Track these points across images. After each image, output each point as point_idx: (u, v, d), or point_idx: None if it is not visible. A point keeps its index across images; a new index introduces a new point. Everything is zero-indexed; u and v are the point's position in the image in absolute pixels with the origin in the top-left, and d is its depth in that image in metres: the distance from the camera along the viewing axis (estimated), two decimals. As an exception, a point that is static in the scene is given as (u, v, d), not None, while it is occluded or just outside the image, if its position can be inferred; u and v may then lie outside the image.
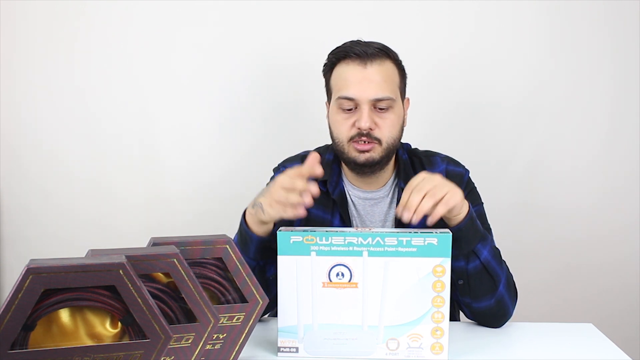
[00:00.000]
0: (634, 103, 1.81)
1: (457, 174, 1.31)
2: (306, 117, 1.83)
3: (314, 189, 1.03)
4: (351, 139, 1.22)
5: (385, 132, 1.21)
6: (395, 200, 1.30)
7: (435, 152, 1.37)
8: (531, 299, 1.87)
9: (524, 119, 1.83)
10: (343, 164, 1.31)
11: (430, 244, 1.01)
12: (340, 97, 1.21)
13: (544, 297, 1.87)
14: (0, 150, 1.85)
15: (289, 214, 1.04)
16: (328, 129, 1.28)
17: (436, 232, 1.02)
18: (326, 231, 1.02)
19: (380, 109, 1.21)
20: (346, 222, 1.27)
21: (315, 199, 1.28)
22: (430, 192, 1.03)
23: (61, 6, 1.79)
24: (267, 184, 1.36)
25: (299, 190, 1.03)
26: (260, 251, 1.14)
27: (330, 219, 1.28)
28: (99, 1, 1.79)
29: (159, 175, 1.86)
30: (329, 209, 1.29)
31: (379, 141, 1.21)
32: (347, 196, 1.30)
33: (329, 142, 1.32)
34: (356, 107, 1.21)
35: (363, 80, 1.19)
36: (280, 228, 1.06)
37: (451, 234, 1.02)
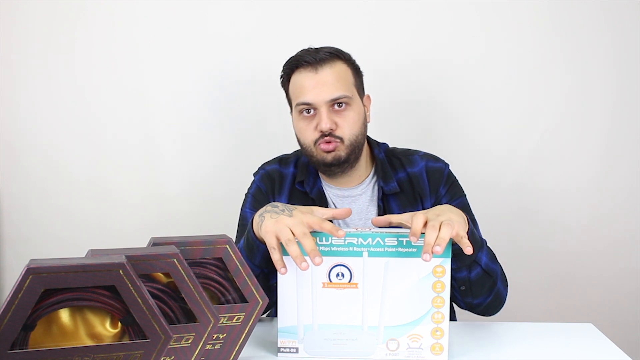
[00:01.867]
0: (634, 105, 1.81)
1: (437, 169, 1.34)
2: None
3: (318, 260, 0.96)
4: (316, 142, 1.26)
5: (346, 130, 1.26)
6: (375, 197, 1.33)
7: (414, 150, 1.39)
8: (531, 299, 1.87)
9: (524, 120, 1.83)
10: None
11: None
12: (298, 104, 1.27)
13: (544, 297, 1.88)
14: (0, 150, 1.85)
15: (275, 256, 1.00)
16: (296, 139, 1.32)
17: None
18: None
19: (338, 106, 1.25)
20: None
21: (295, 198, 1.33)
22: (430, 223, 0.98)
23: (61, 6, 1.80)
24: (248, 190, 1.39)
25: (305, 249, 0.97)
26: (266, 260, 1.13)
27: None
28: (98, 1, 1.79)
29: (159, 176, 1.87)
30: None
31: (341, 139, 1.25)
32: (326, 195, 1.33)
33: None
34: (315, 111, 1.26)
35: (317, 85, 1.24)
36: None
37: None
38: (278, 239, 1.00)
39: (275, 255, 1.00)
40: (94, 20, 1.81)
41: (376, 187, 1.33)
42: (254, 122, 1.85)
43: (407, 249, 1.01)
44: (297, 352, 1.05)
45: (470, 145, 1.83)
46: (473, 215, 1.33)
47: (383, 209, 1.30)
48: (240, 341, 0.97)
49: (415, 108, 1.82)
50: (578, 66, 1.80)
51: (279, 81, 1.81)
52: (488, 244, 1.24)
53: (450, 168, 1.36)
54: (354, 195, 1.33)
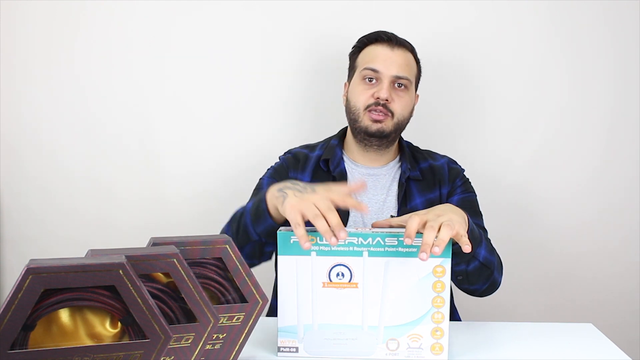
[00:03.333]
0: (634, 104, 1.81)
1: (456, 168, 1.45)
2: (306, 118, 1.83)
3: (343, 235, 0.96)
4: (367, 107, 1.35)
5: (399, 107, 1.36)
6: (397, 176, 1.41)
7: (435, 152, 1.50)
8: (531, 299, 1.87)
9: (524, 120, 1.83)
10: (345, 147, 1.44)
11: None
12: (366, 68, 1.36)
13: (544, 297, 1.88)
14: (1, 150, 1.85)
15: (299, 232, 0.97)
16: (345, 105, 1.42)
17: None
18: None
19: (398, 86, 1.36)
20: None
21: (317, 177, 1.39)
22: (429, 224, 0.98)
23: (62, 5, 1.79)
24: (272, 166, 1.45)
25: (330, 224, 0.96)
26: (268, 232, 1.14)
27: None
28: (99, 1, 1.79)
29: (159, 175, 1.86)
30: None
31: (392, 114, 1.35)
32: (349, 174, 1.40)
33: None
34: (377, 81, 1.35)
35: (389, 59, 1.35)
36: (281, 228, 1.06)
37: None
38: (303, 216, 0.98)
39: (299, 231, 0.97)
40: (94, 19, 1.81)
41: (400, 170, 1.41)
42: (254, 121, 1.85)
43: (407, 249, 1.01)
44: (297, 351, 1.05)
45: (470, 146, 1.83)
46: (480, 211, 1.40)
47: (405, 189, 1.38)
48: (240, 341, 0.97)
49: (415, 107, 1.82)
50: (578, 66, 1.80)
51: (279, 81, 1.83)
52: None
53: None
54: (379, 174, 1.41)
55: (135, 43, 1.82)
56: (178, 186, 1.87)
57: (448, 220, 0.98)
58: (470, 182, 1.45)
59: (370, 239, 1.02)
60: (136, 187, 1.87)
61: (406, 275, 1.02)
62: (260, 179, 1.43)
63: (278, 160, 1.47)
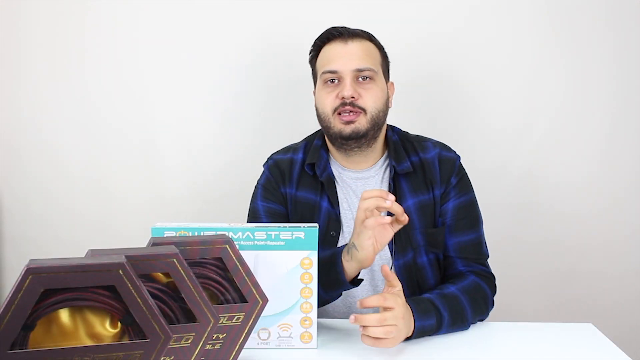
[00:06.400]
0: (636, 96, 1.81)
1: (449, 158, 1.34)
2: (305, 112, 1.82)
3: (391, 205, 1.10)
4: (336, 110, 1.25)
5: (369, 101, 1.25)
6: (386, 177, 1.33)
7: (427, 138, 1.39)
8: (531, 299, 1.87)
9: (524, 118, 1.83)
10: (331, 148, 1.35)
11: (298, 238, 1.06)
12: (324, 72, 1.27)
13: (544, 297, 1.87)
14: (1, 150, 1.85)
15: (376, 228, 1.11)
16: (316, 113, 1.32)
17: (304, 227, 1.07)
18: (199, 226, 1.05)
19: (363, 79, 1.25)
20: (333, 203, 1.31)
21: (303, 182, 1.33)
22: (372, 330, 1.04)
23: (63, 4, 1.79)
24: (258, 181, 1.40)
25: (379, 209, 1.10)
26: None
27: (318, 200, 1.32)
28: (100, 1, 1.79)
29: (159, 175, 1.86)
30: (317, 191, 1.32)
31: (364, 110, 1.24)
32: (336, 178, 1.33)
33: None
34: (339, 80, 1.26)
35: (345, 55, 1.25)
36: (157, 223, 1.09)
37: (317, 227, 1.07)
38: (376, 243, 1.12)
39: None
40: (95, 19, 1.81)
41: (388, 168, 1.33)
42: (255, 122, 1.85)
43: (275, 243, 1.06)
44: None
45: (472, 143, 1.82)
46: (479, 213, 1.34)
47: (394, 188, 1.30)
48: (240, 341, 0.97)
49: (421, 97, 1.81)
50: (579, 62, 1.79)
51: (280, 80, 1.83)
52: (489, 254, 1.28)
53: (460, 161, 1.36)
54: (367, 177, 1.33)
55: (137, 43, 1.82)
56: (178, 186, 1.87)
57: (390, 335, 1.04)
58: (466, 177, 1.35)
59: (240, 233, 1.06)
60: (136, 187, 1.86)
61: (275, 267, 1.06)
62: (254, 202, 1.36)
63: (263, 169, 1.39)
